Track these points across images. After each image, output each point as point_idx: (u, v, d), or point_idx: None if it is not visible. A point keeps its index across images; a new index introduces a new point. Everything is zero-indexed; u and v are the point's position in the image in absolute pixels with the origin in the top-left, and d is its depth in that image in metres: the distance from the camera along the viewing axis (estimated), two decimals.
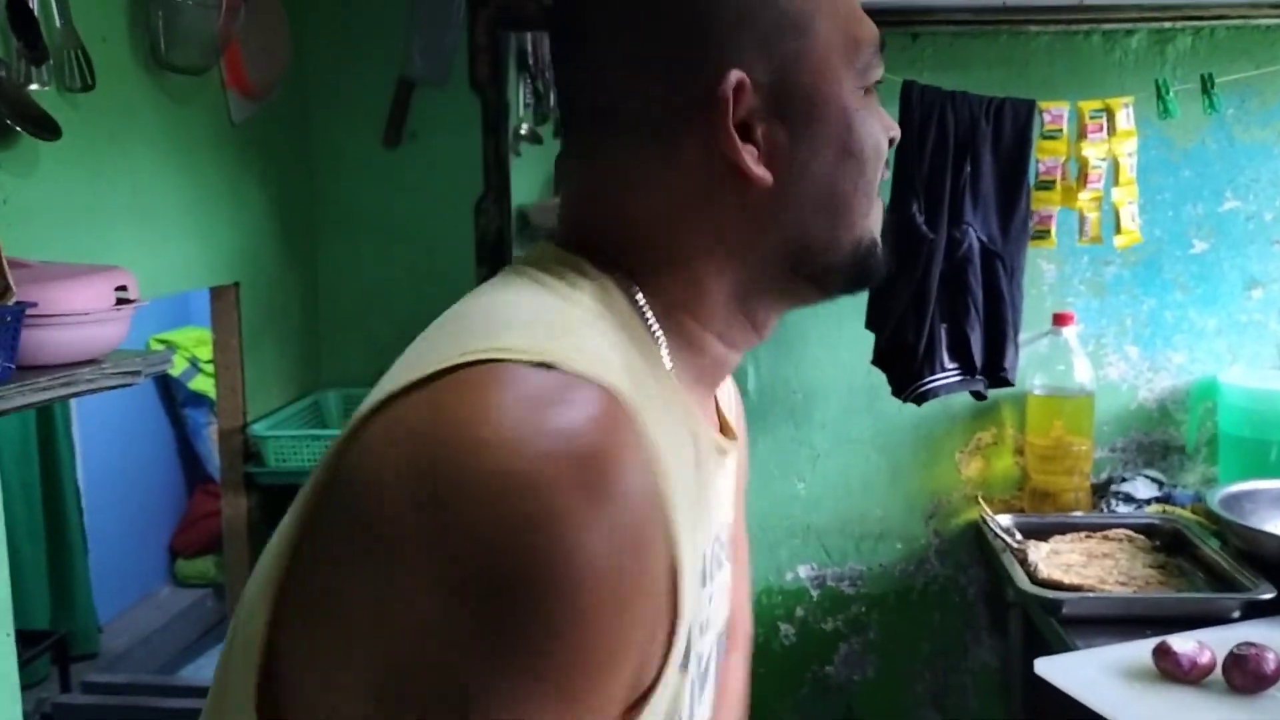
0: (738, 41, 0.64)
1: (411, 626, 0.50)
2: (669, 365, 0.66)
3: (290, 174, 2.22)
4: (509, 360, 0.54)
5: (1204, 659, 1.31)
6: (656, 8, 0.65)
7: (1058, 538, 1.78)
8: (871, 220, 0.71)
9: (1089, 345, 1.99)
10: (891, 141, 0.71)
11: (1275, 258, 1.97)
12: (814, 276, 0.70)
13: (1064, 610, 1.52)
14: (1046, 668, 1.39)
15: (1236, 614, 1.49)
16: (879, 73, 0.69)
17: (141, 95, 1.71)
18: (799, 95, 0.65)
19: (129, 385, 1.20)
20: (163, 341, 3.45)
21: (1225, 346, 2.00)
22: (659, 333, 0.67)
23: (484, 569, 0.49)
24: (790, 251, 0.68)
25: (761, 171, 0.65)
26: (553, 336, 0.58)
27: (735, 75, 0.63)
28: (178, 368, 3.46)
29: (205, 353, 3.49)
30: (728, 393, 0.83)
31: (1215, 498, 1.71)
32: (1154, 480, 1.97)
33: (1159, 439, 2.03)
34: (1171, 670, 1.32)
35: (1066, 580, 1.61)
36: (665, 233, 0.67)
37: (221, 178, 1.95)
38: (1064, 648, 1.47)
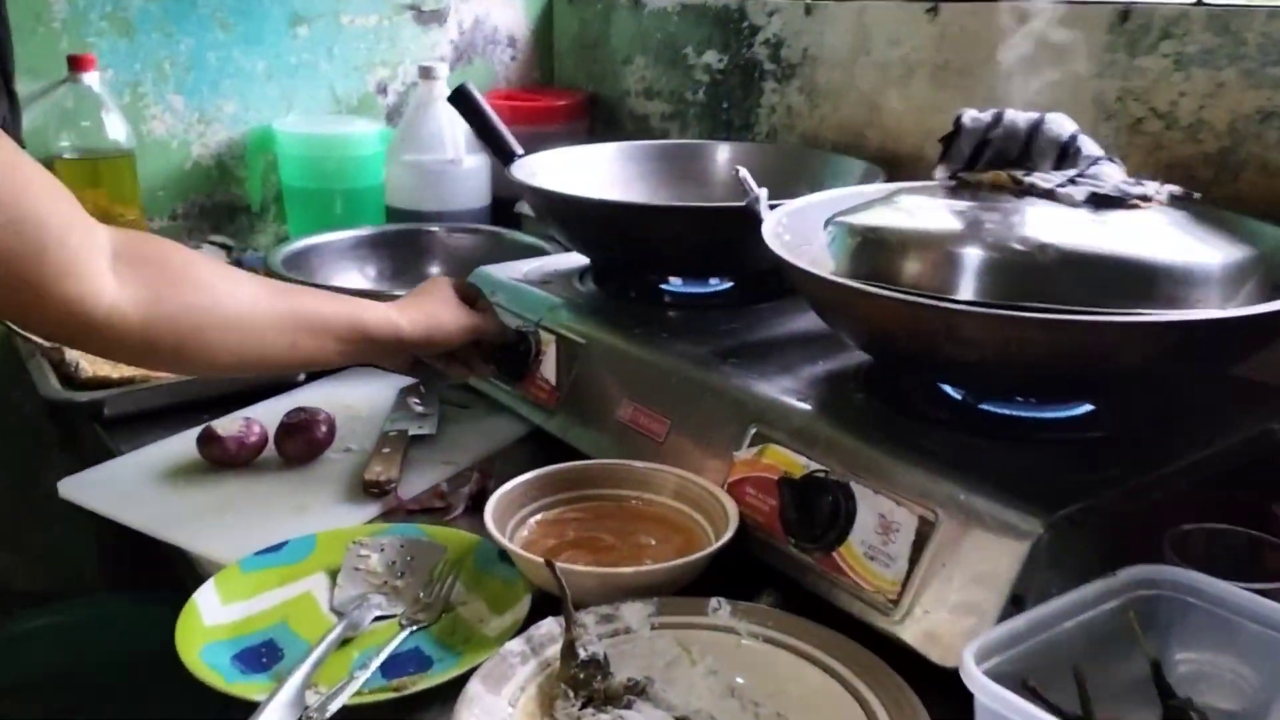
0: None
1: None
2: None
3: None
4: None
5: (254, 437, 1.17)
6: None
7: None
8: None
9: (124, 96, 1.68)
10: None
11: None
12: None
13: (106, 412, 1.27)
14: (73, 489, 1.14)
15: (302, 377, 1.37)
16: None
17: None
18: None
19: None
20: None
21: (278, 92, 1.83)
22: None
23: None
24: None
25: None
26: None
27: None
28: None
29: None
30: None
31: (278, 258, 1.55)
32: (223, 246, 1.78)
33: (224, 200, 1.83)
34: (220, 456, 1.15)
35: (116, 376, 1.35)
36: None
37: None
38: (110, 456, 1.23)
